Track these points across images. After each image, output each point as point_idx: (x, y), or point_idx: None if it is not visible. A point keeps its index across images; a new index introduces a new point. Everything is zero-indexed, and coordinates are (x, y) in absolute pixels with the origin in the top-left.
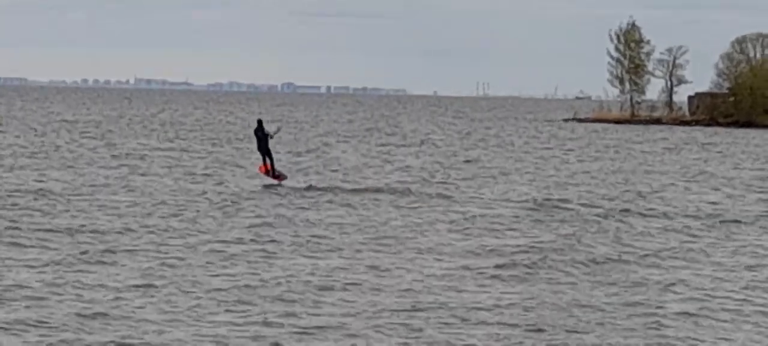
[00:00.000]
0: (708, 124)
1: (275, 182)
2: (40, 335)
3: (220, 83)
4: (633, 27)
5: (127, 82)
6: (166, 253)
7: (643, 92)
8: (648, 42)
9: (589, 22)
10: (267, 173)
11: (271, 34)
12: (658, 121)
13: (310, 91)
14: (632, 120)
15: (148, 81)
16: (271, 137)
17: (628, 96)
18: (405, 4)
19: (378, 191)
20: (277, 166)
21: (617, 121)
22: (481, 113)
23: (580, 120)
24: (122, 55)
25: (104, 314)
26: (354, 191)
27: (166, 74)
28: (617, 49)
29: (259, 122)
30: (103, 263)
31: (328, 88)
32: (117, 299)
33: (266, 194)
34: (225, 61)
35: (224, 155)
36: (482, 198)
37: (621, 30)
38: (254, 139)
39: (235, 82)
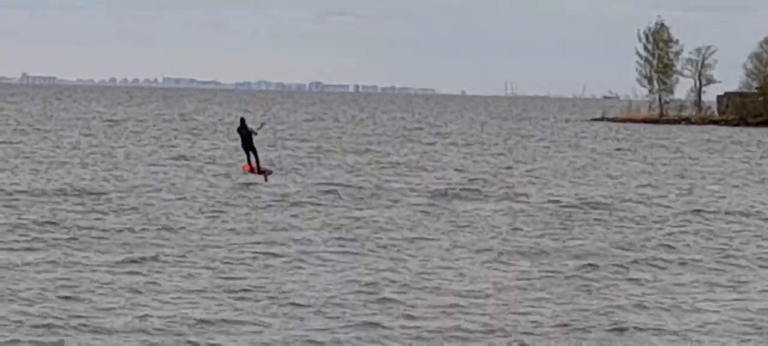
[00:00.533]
0: (737, 124)
1: (261, 177)
2: (124, 340)
3: (248, 82)
4: (662, 27)
5: (155, 80)
6: (238, 256)
7: (671, 92)
8: (677, 42)
9: (616, 21)
10: (252, 170)
11: (298, 33)
12: (687, 121)
13: (339, 90)
14: (661, 120)
15: (177, 80)
16: (255, 134)
17: (657, 96)
18: (432, 3)
19: (439, 192)
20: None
21: (645, 121)
22: (514, 112)
23: (609, 120)
24: (150, 53)
25: (200, 320)
26: (413, 191)
27: (194, 73)
28: (646, 48)
29: (242, 120)
30: (172, 265)
31: (356, 87)
32: (191, 302)
33: (323, 195)
34: (253, 60)
35: (277, 159)
36: (542, 198)
37: (650, 29)
38: (239, 138)
39: (264, 80)
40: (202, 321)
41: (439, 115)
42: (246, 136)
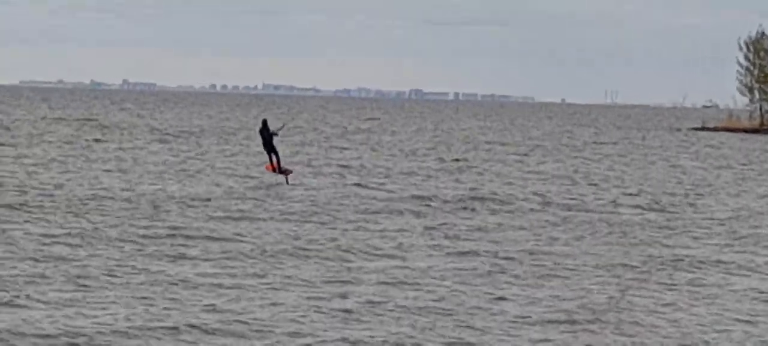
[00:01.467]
0: None
1: (282, 177)
2: None
3: (347, 89)
4: (763, 36)
5: (256, 87)
6: (424, 269)
7: None
8: None
9: (717, 30)
10: (274, 170)
11: (398, 40)
12: None
13: (438, 98)
14: (761, 129)
15: (276, 86)
16: (276, 135)
17: (758, 105)
18: (532, 11)
19: (605, 204)
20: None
21: (746, 131)
22: (625, 122)
23: (710, 129)
24: (250, 60)
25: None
26: (574, 202)
27: (294, 80)
28: (747, 57)
29: (264, 122)
30: (354, 281)
31: (456, 94)
32: (378, 321)
33: (472, 203)
34: (352, 67)
35: (418, 169)
36: (716, 214)
37: (750, 39)
38: (260, 139)
39: (363, 88)
40: (381, 336)
41: (556, 124)
42: (267, 137)
